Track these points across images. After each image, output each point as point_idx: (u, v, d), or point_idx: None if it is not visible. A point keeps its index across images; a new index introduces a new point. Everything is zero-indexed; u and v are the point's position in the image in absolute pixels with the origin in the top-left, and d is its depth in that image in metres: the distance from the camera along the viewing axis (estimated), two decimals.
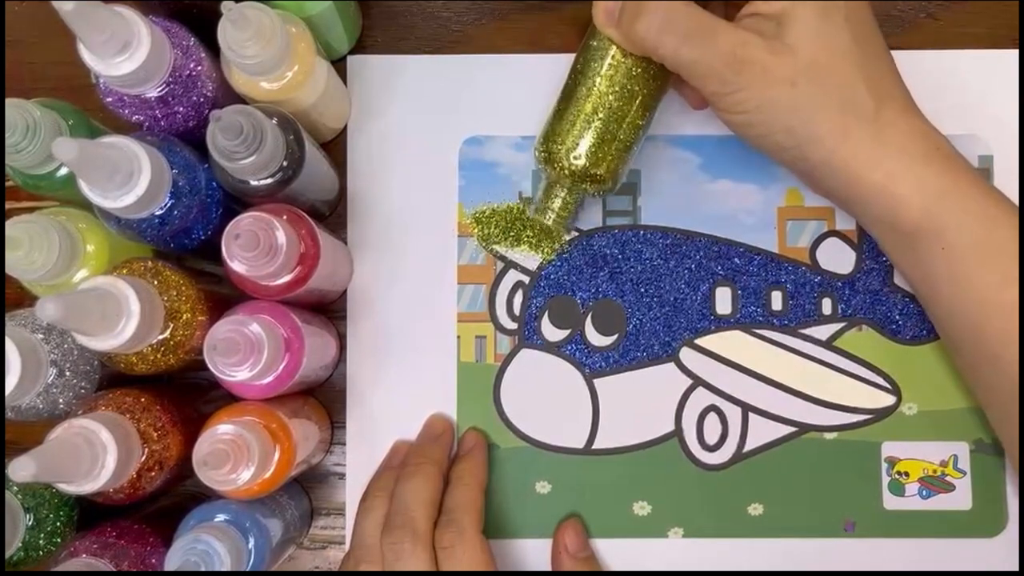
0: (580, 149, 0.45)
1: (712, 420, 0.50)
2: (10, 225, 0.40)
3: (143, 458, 0.40)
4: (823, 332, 0.50)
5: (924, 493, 0.49)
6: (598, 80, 0.44)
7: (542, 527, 0.49)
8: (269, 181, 0.42)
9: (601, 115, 0.45)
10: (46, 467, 0.35)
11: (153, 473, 0.41)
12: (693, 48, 0.41)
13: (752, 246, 0.51)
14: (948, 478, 0.49)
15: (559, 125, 0.46)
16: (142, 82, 0.40)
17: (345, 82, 0.51)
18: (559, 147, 0.45)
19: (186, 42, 0.42)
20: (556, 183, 0.47)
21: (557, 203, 0.47)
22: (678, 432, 0.50)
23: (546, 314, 0.51)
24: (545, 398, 0.50)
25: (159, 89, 0.41)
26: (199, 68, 0.42)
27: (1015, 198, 0.42)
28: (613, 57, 0.44)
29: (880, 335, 0.50)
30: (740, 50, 0.41)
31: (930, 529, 0.49)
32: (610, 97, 0.44)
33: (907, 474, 0.49)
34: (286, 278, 0.42)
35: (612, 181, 0.46)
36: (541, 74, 0.52)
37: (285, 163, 0.42)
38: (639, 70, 0.44)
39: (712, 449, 0.50)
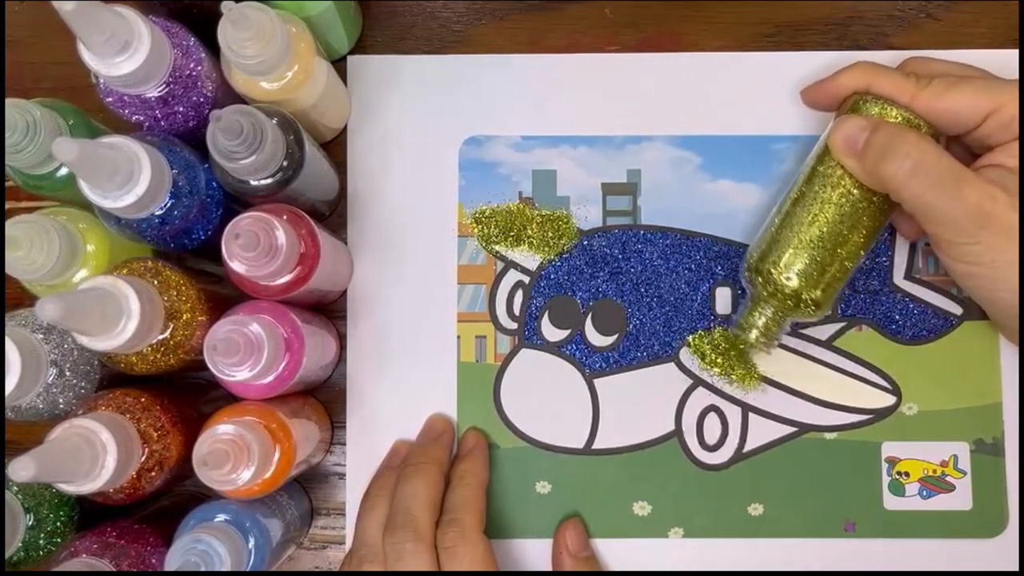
0: (797, 272, 0.44)
1: (712, 420, 0.50)
2: (10, 225, 0.40)
3: (143, 458, 0.40)
4: (823, 332, 0.50)
5: (924, 493, 0.49)
6: (826, 207, 0.44)
7: (542, 527, 0.49)
8: (269, 181, 0.42)
9: (824, 242, 0.44)
10: (46, 467, 0.35)
11: (153, 473, 0.41)
12: (939, 195, 0.40)
13: None
14: (948, 478, 0.49)
15: (777, 245, 0.45)
16: (142, 82, 0.40)
17: (345, 82, 0.51)
18: (775, 267, 0.44)
19: (186, 42, 0.42)
20: (763, 302, 0.46)
21: (762, 321, 0.46)
22: (678, 432, 0.50)
23: (546, 314, 0.51)
24: (545, 398, 0.50)
25: (159, 89, 0.41)
26: (199, 68, 0.42)
27: None
28: (844, 186, 0.44)
29: (880, 335, 0.50)
30: (987, 204, 0.40)
31: (930, 529, 0.49)
32: (835, 225, 0.44)
33: (907, 474, 0.49)
34: (286, 278, 0.42)
35: (825, 308, 0.45)
36: (541, 74, 0.52)
37: (285, 163, 0.42)
38: (869, 202, 0.44)
39: (712, 449, 0.50)
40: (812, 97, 0.48)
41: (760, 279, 0.45)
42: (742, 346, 0.48)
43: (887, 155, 0.41)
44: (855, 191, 0.44)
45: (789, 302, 0.45)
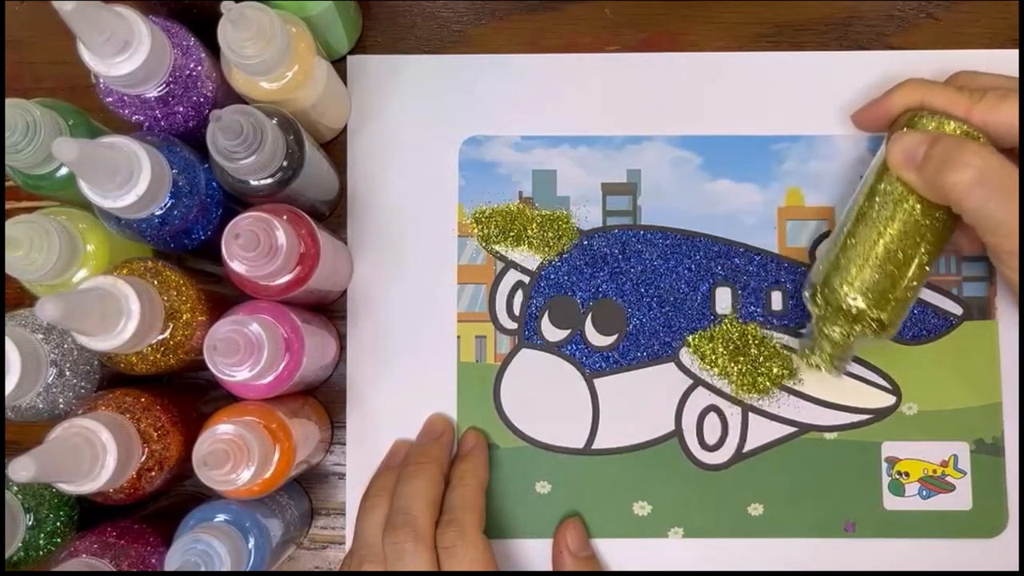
0: (863, 292, 0.44)
1: (712, 420, 0.50)
2: (10, 225, 0.40)
3: (143, 458, 0.40)
4: None
5: (924, 493, 0.49)
6: (888, 225, 0.43)
7: (542, 527, 0.49)
8: (269, 181, 0.42)
9: (889, 261, 0.43)
10: (46, 467, 0.35)
11: (153, 473, 0.41)
12: (1002, 205, 0.40)
13: (752, 246, 0.51)
14: (948, 478, 0.49)
15: (841, 265, 0.44)
16: (142, 82, 0.40)
17: (345, 82, 0.51)
18: (840, 289, 0.44)
19: (186, 42, 0.42)
20: (830, 324, 0.45)
21: (830, 344, 0.45)
22: (678, 432, 0.50)
23: (546, 314, 0.51)
24: (545, 398, 0.50)
25: (159, 89, 0.41)
26: (199, 68, 0.42)
27: None
28: (907, 203, 0.43)
29: None
30: None
31: (930, 529, 0.49)
32: (899, 243, 0.43)
33: (907, 474, 0.49)
34: (286, 278, 0.42)
35: (893, 328, 0.45)
36: (541, 74, 0.52)
37: (285, 163, 0.42)
38: (932, 218, 0.43)
39: (712, 449, 0.50)
40: (864, 118, 0.48)
41: (824, 301, 0.45)
42: (815, 367, 0.47)
43: (948, 165, 0.41)
44: (918, 207, 0.43)
45: (856, 323, 0.44)
